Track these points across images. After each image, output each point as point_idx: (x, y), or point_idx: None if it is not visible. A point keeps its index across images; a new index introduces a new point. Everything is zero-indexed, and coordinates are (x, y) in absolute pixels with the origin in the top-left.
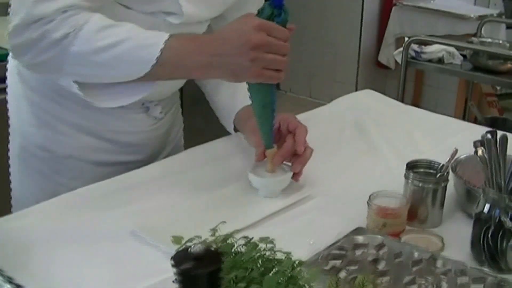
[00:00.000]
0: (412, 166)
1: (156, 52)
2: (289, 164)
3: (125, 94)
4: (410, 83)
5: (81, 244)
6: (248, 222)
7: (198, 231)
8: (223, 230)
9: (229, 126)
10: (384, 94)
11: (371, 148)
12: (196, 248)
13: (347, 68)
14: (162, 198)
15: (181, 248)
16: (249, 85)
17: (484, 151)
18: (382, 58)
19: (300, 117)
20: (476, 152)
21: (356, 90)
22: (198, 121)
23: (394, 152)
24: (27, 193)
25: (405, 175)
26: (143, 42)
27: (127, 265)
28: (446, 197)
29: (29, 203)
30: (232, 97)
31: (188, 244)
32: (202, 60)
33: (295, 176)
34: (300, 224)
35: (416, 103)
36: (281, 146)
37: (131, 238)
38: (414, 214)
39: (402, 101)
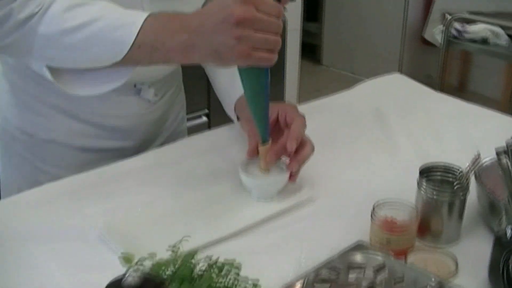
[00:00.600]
0: (426, 171)
1: (133, 32)
2: (287, 161)
3: (101, 80)
4: (456, 62)
5: (48, 243)
6: (233, 229)
7: (170, 239)
8: (198, 240)
9: (231, 113)
10: (429, 73)
11: (389, 142)
12: (131, 279)
13: (390, 44)
14: (142, 195)
15: (131, 267)
16: (238, 69)
17: (508, 160)
18: (428, 35)
19: (315, 104)
20: (499, 160)
21: (400, 67)
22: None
23: (415, 149)
24: (10, 180)
25: (417, 183)
26: (118, 21)
27: (92, 272)
28: (467, 207)
29: (13, 191)
30: (232, 81)
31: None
32: (182, 40)
33: (291, 176)
34: (294, 233)
35: (462, 85)
36: (277, 141)
37: (99, 241)
38: (427, 228)
39: (443, 83)
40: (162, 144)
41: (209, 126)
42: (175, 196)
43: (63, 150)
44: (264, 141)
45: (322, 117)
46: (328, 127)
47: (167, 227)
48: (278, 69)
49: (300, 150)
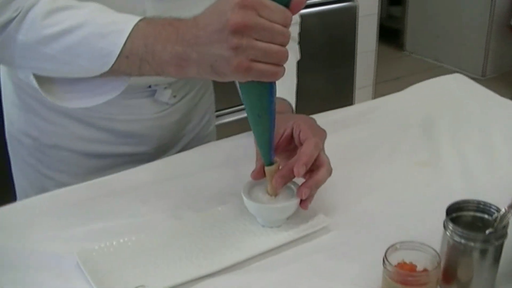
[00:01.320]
0: (455, 209)
1: (120, 42)
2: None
3: (94, 92)
4: None
5: (11, 270)
6: (229, 262)
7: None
8: (187, 275)
9: None
10: None
11: (431, 164)
12: None
13: (476, 31)
14: (133, 218)
15: None
16: (239, 84)
17: None
18: None
19: (366, 106)
20: None
21: (486, 56)
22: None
23: (463, 169)
24: (18, 186)
25: (444, 224)
26: (104, 29)
27: None
28: (505, 252)
29: (21, 197)
30: None
31: None
32: (175, 52)
33: (302, 203)
34: (300, 271)
35: None
36: (289, 161)
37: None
38: (453, 276)
39: None
40: (183, 149)
41: None
42: (169, 219)
43: (68, 156)
44: (267, 164)
45: (363, 126)
46: (365, 139)
47: (151, 260)
48: (348, 58)
49: (313, 173)
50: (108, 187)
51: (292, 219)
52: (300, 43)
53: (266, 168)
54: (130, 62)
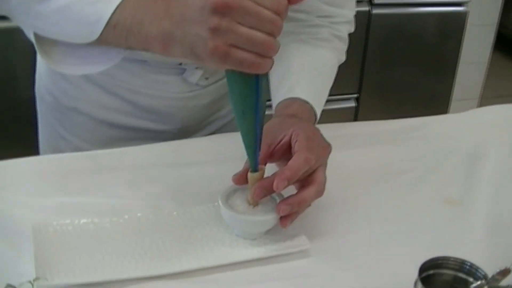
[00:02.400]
0: (433, 266)
1: (109, 10)
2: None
3: (89, 60)
4: None
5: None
6: (179, 268)
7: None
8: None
9: None
10: None
11: (464, 198)
12: None
13: None
14: (114, 196)
15: None
16: (225, 73)
17: None
18: None
19: (397, 124)
20: None
21: None
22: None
23: (493, 221)
24: (40, 142)
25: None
26: None
27: None
28: None
29: (42, 154)
30: (282, 78)
31: None
32: (161, 28)
33: (282, 220)
34: None
35: None
36: (274, 173)
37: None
38: None
39: None
40: (212, 133)
41: (356, 113)
42: (147, 208)
43: (86, 121)
44: (252, 170)
45: (395, 145)
46: (393, 161)
47: (104, 249)
48: (448, 67)
49: (300, 191)
50: (101, 161)
51: (270, 234)
52: (357, 44)
53: (249, 175)
54: (117, 33)
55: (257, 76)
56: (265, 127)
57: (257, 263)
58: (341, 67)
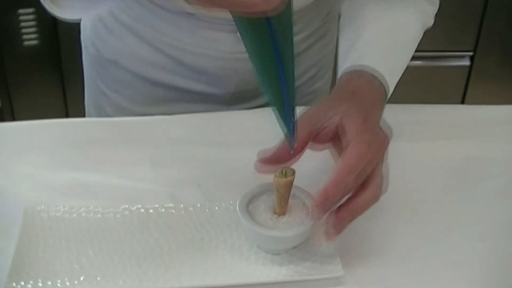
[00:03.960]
0: None
1: None
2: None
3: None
4: None
5: None
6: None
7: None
8: None
9: None
10: None
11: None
12: None
13: None
14: (128, 177)
15: None
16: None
17: None
18: None
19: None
20: None
21: None
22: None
23: None
24: (85, 96)
25: None
26: None
27: None
28: None
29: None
30: (351, 45)
31: None
32: None
33: (329, 232)
34: None
35: None
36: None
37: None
38: None
39: None
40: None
41: (468, 75)
42: (162, 198)
43: (127, 77)
44: (290, 146)
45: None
46: (471, 161)
47: (97, 248)
48: None
49: (354, 195)
50: (125, 130)
51: (298, 250)
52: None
53: (275, 179)
54: None
55: (268, 20)
56: (309, 110)
57: (277, 285)
58: (456, 19)
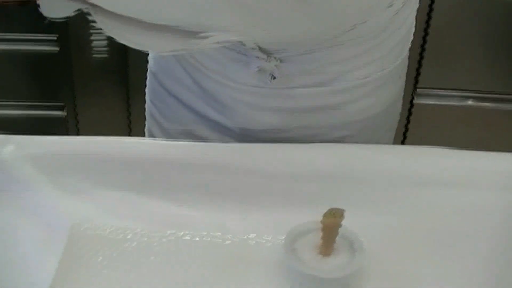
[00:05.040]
0: None
1: None
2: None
3: None
4: None
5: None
6: None
7: None
8: None
9: None
10: None
11: None
12: None
13: None
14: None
15: None
16: None
17: None
18: None
19: None
20: None
21: None
22: None
23: None
24: None
25: None
26: None
27: None
28: None
29: None
30: None
31: None
32: None
33: None
34: None
35: None
36: None
37: None
38: None
39: None
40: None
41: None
42: (209, 225)
43: (161, 90)
44: None
45: None
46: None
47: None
48: None
49: None
50: (181, 154)
51: None
52: None
53: (323, 220)
54: None
55: None
56: None
57: None
58: None
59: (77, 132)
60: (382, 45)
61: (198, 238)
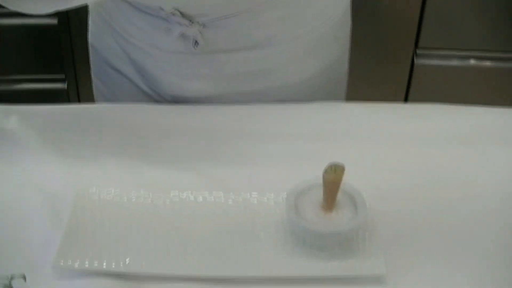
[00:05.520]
0: None
1: None
2: None
3: None
4: None
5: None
6: (238, 273)
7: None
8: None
9: None
10: None
11: None
12: None
13: None
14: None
15: None
16: None
17: None
18: None
19: None
20: None
21: None
22: None
23: None
24: None
25: None
26: None
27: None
28: None
29: None
30: None
31: None
32: None
33: None
34: None
35: None
36: None
37: None
38: None
39: None
40: None
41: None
42: (205, 187)
43: (99, 59)
44: None
45: None
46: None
47: (142, 233)
48: None
49: None
50: (182, 119)
51: (343, 246)
52: None
53: (325, 176)
54: None
55: None
56: None
57: (320, 280)
58: None
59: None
60: (309, 8)
61: (201, 199)
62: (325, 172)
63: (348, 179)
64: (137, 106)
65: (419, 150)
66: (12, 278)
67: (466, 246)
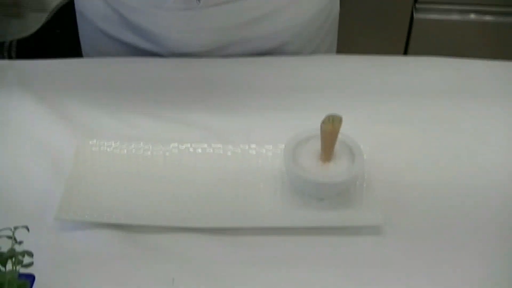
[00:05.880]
0: None
1: None
2: None
3: None
4: None
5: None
6: (237, 224)
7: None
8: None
9: None
10: None
11: None
12: None
13: None
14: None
15: None
16: None
17: None
18: None
19: None
20: None
21: None
22: None
23: None
24: None
25: None
26: None
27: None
28: None
29: None
30: None
31: None
32: None
33: None
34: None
35: None
36: None
37: None
38: None
39: None
40: None
41: None
42: (204, 139)
43: (90, 27)
44: None
45: None
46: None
47: (139, 183)
48: None
49: None
50: (180, 72)
51: (341, 196)
52: None
53: (322, 126)
54: None
55: None
56: None
57: (318, 230)
58: None
59: None
60: None
61: (200, 150)
62: (323, 123)
63: (346, 130)
64: (136, 59)
65: (417, 101)
66: (15, 229)
67: (464, 196)
